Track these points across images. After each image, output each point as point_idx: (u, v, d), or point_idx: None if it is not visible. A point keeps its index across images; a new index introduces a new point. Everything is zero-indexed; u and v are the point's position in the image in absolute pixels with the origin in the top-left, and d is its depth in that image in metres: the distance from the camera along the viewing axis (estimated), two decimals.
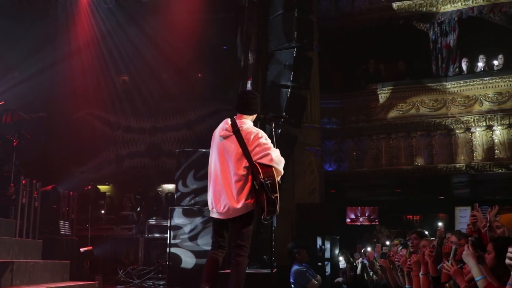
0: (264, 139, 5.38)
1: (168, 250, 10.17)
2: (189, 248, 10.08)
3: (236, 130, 5.39)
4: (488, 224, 5.05)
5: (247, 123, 5.50)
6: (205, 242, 9.86)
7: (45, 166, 12.63)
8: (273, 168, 5.27)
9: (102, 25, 13.83)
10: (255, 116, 5.68)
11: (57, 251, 9.02)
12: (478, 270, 4.10)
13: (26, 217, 8.03)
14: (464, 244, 4.93)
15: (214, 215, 5.47)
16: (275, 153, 5.33)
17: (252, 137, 5.35)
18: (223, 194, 5.34)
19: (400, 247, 8.08)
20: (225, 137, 5.44)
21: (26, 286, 6.13)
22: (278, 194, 5.22)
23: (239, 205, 5.28)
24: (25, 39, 12.87)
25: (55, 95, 13.56)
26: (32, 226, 8.24)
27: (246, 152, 5.31)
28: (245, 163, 5.30)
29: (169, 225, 10.27)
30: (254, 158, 5.28)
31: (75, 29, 13.83)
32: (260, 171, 5.22)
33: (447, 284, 4.83)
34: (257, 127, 5.58)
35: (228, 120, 5.52)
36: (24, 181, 8.09)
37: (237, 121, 5.47)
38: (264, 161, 5.27)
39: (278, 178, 5.34)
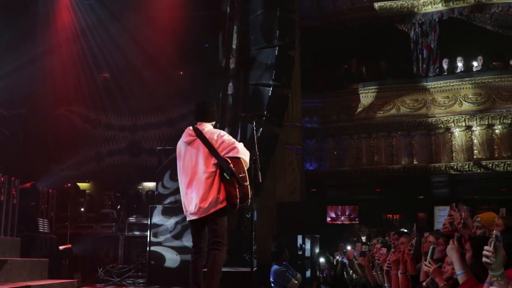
0: (227, 136, 5.77)
1: (148, 249, 10.12)
2: (173, 247, 10.06)
3: (199, 134, 5.72)
4: (462, 222, 5.13)
5: (207, 126, 5.86)
6: (190, 240, 9.83)
7: (24, 163, 12.50)
8: (241, 159, 5.60)
9: (82, 21, 13.70)
10: (214, 123, 6.01)
11: (35, 249, 8.92)
12: (460, 264, 4.15)
13: (5, 215, 7.94)
14: (442, 243, 4.98)
15: (189, 217, 5.74)
16: (240, 146, 5.68)
17: (215, 136, 5.69)
18: (194, 195, 5.60)
19: (380, 246, 8.12)
20: (190, 142, 5.77)
21: (4, 285, 6.07)
22: (248, 183, 5.57)
23: (208, 203, 5.55)
24: (4, 34, 12.71)
25: (34, 92, 13.42)
26: (10, 223, 8.15)
27: (212, 150, 5.62)
28: (213, 160, 5.60)
29: (149, 223, 10.22)
30: (222, 154, 5.60)
31: (55, 25, 13.68)
32: (230, 162, 5.53)
33: (424, 283, 4.87)
34: (238, 125, 5.86)
35: (190, 127, 5.87)
36: (2, 178, 7.99)
37: (199, 127, 5.82)
38: (232, 154, 5.60)
39: (245, 168, 5.66)
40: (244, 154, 5.64)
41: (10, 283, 6.20)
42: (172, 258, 10.12)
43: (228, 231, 5.79)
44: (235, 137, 11.20)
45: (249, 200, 5.61)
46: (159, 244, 10.19)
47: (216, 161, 5.57)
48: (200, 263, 5.72)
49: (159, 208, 10.34)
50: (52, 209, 10.58)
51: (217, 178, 5.58)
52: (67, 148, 14.17)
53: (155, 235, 10.22)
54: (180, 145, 5.84)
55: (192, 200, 5.60)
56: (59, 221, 11.47)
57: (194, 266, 5.70)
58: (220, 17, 12.24)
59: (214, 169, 5.58)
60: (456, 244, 4.29)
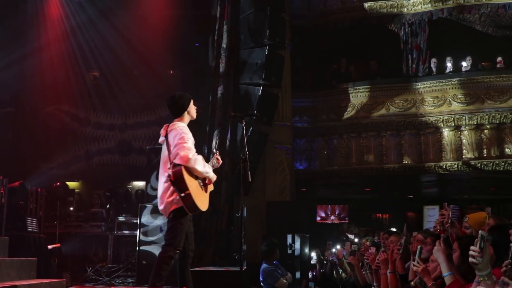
0: (182, 139, 5.54)
1: (137, 248, 10.10)
2: None
3: (166, 135, 5.67)
4: (450, 221, 5.15)
5: (176, 124, 5.72)
6: None
7: (13, 162, 12.42)
8: (181, 167, 5.43)
9: (72, 20, 13.63)
10: (185, 115, 5.85)
11: (24, 248, 8.88)
12: (446, 266, 4.17)
13: None
14: (430, 243, 5.00)
15: None
16: (184, 152, 5.45)
17: (173, 138, 5.59)
18: (159, 195, 5.67)
19: (370, 245, 8.14)
20: (162, 144, 5.77)
21: None
22: (188, 192, 5.39)
23: (164, 206, 5.58)
24: None
25: (23, 90, 13.35)
26: None
27: (169, 154, 5.58)
28: (169, 164, 5.55)
29: (138, 222, 10.20)
30: (171, 159, 5.53)
31: (44, 23, 13.61)
32: (171, 170, 5.45)
33: (412, 282, 4.89)
34: (228, 125, 5.79)
35: (164, 126, 5.82)
36: None
37: (169, 126, 5.73)
38: (176, 161, 5.47)
39: (198, 175, 5.55)
40: (185, 161, 5.43)
41: None
42: None
43: (217, 231, 5.79)
44: (225, 136, 11.28)
45: (199, 210, 5.50)
46: (149, 243, 10.15)
47: (170, 166, 5.55)
48: (184, 262, 5.72)
49: (148, 207, 10.31)
50: (41, 208, 10.52)
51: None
52: (56, 147, 14.10)
53: (145, 234, 10.19)
54: None
55: (158, 199, 5.74)
56: (48, 220, 11.41)
57: (179, 266, 5.72)
58: (211, 18, 12.23)
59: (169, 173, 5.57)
60: (442, 245, 4.31)
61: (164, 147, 5.72)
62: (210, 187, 5.86)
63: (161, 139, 5.76)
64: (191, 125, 5.92)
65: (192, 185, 5.49)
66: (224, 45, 11.66)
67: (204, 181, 5.71)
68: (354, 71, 15.89)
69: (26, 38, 13.55)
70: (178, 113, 5.84)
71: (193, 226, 5.88)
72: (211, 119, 11.38)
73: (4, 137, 12.84)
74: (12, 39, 13.16)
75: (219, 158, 6.14)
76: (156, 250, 10.03)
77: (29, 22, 13.71)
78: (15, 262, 6.79)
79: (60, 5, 13.66)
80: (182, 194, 5.40)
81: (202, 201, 5.58)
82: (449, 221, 5.15)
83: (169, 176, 5.45)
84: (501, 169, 13.42)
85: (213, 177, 5.78)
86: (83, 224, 12.28)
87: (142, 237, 10.12)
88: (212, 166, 5.95)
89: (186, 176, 5.44)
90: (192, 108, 5.91)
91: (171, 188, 5.49)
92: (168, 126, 5.76)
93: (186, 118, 5.85)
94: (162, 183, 5.64)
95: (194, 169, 5.49)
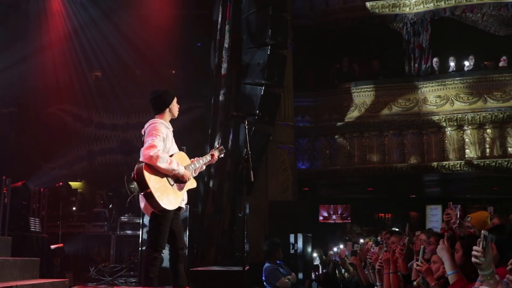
0: (151, 135, 5.46)
1: (140, 248, 10.10)
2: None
3: (144, 132, 5.64)
4: (457, 221, 5.12)
5: (152, 121, 5.65)
6: None
7: (15, 162, 12.44)
8: (143, 165, 5.38)
9: (74, 20, 13.64)
10: (167, 111, 5.77)
11: (27, 248, 8.90)
12: (450, 264, 4.16)
13: None
14: (433, 243, 5.00)
15: None
16: (147, 150, 5.36)
17: (146, 135, 5.55)
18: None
19: (373, 245, 8.14)
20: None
21: None
22: (148, 191, 5.33)
23: (144, 205, 5.55)
24: None
25: (26, 90, 13.36)
26: (2, 223, 8.13)
27: None
28: None
29: (141, 222, 10.20)
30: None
31: (47, 24, 13.62)
32: (134, 169, 5.39)
33: (415, 282, 4.88)
34: (230, 125, 5.74)
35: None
36: None
37: (148, 123, 5.67)
38: (140, 158, 5.42)
39: (166, 172, 5.45)
40: (147, 159, 5.35)
41: (1, 282, 6.17)
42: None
43: (219, 231, 5.76)
44: (227, 136, 11.28)
45: (164, 209, 5.41)
46: None
47: None
48: (176, 260, 5.71)
49: None
50: (43, 208, 10.54)
51: None
52: (59, 147, 14.10)
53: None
54: None
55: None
56: (51, 220, 11.43)
57: (171, 265, 5.75)
58: (212, 22, 12.21)
59: None
60: (446, 244, 4.30)
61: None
62: (190, 185, 5.75)
63: (143, 138, 5.68)
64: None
65: (157, 183, 5.41)
66: (226, 45, 11.66)
67: (178, 179, 5.60)
68: (357, 68, 15.86)
69: (29, 38, 13.56)
70: (159, 110, 5.77)
71: (186, 226, 5.86)
72: (214, 119, 11.38)
73: (7, 137, 12.86)
74: (14, 39, 13.17)
75: (216, 154, 6.06)
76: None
77: (32, 22, 13.72)
78: (18, 262, 6.79)
79: (62, 5, 13.66)
80: (142, 193, 5.37)
81: (169, 200, 5.47)
82: (457, 221, 5.11)
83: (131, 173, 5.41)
84: (504, 167, 13.40)
85: (184, 173, 5.57)
86: (85, 224, 12.29)
87: (146, 237, 10.09)
88: (204, 163, 5.91)
89: (147, 174, 5.36)
90: (175, 106, 5.82)
91: None
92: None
93: (167, 115, 5.77)
94: None
95: (157, 167, 5.38)
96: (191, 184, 5.77)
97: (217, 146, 6.51)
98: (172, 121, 5.89)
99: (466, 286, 3.95)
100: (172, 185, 5.54)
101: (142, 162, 5.38)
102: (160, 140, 5.47)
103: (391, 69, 15.43)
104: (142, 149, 5.43)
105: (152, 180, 5.37)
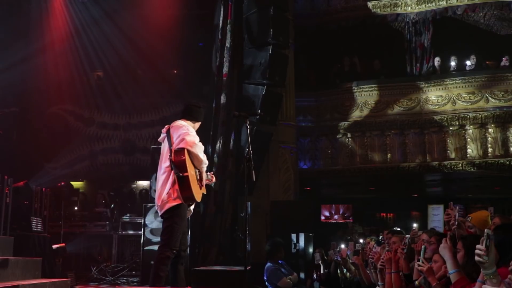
0: (188, 130, 5.61)
1: (142, 248, 10.10)
2: None
3: (168, 130, 5.72)
4: (456, 222, 5.12)
5: (180, 121, 5.78)
6: None
7: (17, 162, 12.46)
8: (184, 150, 5.48)
9: (76, 20, 13.66)
10: (194, 123, 5.95)
11: (29, 248, 8.89)
12: (453, 263, 4.16)
13: None
14: (434, 242, 4.99)
15: None
16: (189, 138, 5.52)
17: (176, 131, 5.64)
18: (156, 191, 5.65)
19: (375, 245, 8.13)
20: (162, 141, 5.80)
21: None
22: (186, 174, 5.41)
23: (161, 200, 5.54)
24: None
25: (28, 90, 13.39)
26: (4, 222, 8.12)
27: (170, 146, 5.59)
28: (169, 155, 5.55)
29: (143, 222, 10.21)
30: (173, 147, 5.54)
31: (48, 23, 13.64)
32: (172, 154, 5.47)
33: (416, 282, 4.88)
34: (232, 124, 5.81)
35: (166, 126, 5.85)
36: None
37: (172, 124, 5.78)
38: (181, 145, 5.51)
39: (197, 163, 5.60)
40: (190, 145, 5.51)
41: (3, 282, 6.18)
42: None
43: (221, 230, 5.77)
44: (229, 136, 11.28)
45: (193, 196, 5.49)
46: (155, 243, 10.13)
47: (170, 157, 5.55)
48: (177, 262, 5.71)
49: (153, 207, 10.30)
50: (45, 208, 10.54)
51: (173, 174, 5.52)
52: (61, 146, 14.13)
53: (153, 233, 10.17)
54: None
55: (155, 197, 5.68)
56: (53, 220, 11.44)
57: (171, 265, 5.70)
58: (213, 26, 12.21)
59: (168, 164, 5.55)
60: (449, 243, 4.30)
61: (164, 144, 5.74)
62: (203, 190, 5.87)
63: (162, 136, 5.78)
64: None
65: (191, 170, 5.52)
66: (227, 45, 11.66)
67: (201, 177, 5.74)
68: (359, 65, 15.84)
69: (30, 38, 13.59)
70: (187, 118, 5.92)
71: (188, 226, 5.89)
72: (215, 118, 11.38)
73: (9, 137, 12.85)
74: (16, 39, 13.19)
75: (214, 177, 6.20)
76: None
77: (33, 22, 13.75)
78: (20, 262, 6.80)
79: (64, 5, 13.68)
80: (181, 174, 5.41)
81: (196, 191, 5.56)
82: (456, 222, 5.11)
83: (170, 161, 5.46)
84: (506, 166, 13.39)
85: (204, 174, 5.82)
86: (87, 223, 12.30)
87: (150, 236, 10.09)
88: (205, 179, 5.99)
89: (188, 159, 5.49)
90: (197, 126, 6.00)
91: (170, 180, 5.49)
92: (169, 125, 5.81)
93: (190, 124, 5.90)
94: (160, 176, 5.64)
95: (196, 156, 5.54)
96: (204, 190, 5.90)
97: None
98: (174, 121, 5.93)
99: (468, 285, 3.94)
100: (198, 179, 5.67)
101: (182, 148, 5.48)
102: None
103: (392, 69, 15.42)
104: (182, 137, 5.53)
105: (189, 167, 5.50)
